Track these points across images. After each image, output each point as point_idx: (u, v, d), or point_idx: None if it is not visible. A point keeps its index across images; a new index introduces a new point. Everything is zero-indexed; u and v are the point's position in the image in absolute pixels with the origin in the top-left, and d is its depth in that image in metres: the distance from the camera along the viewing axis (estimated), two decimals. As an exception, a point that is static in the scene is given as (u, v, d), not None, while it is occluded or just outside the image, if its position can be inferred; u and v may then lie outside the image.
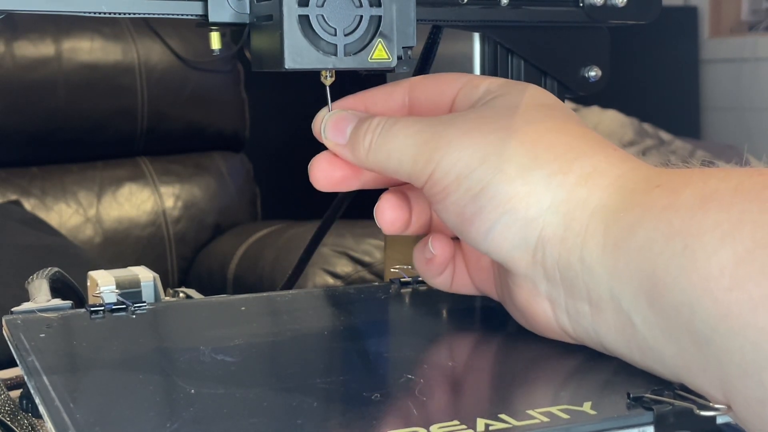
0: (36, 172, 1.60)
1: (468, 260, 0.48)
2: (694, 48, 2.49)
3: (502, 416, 0.34)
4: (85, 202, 1.60)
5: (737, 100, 2.39)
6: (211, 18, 0.44)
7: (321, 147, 0.47)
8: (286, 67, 0.42)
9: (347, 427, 0.34)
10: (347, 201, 0.60)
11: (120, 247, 1.60)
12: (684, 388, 0.37)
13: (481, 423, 0.34)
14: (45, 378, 0.38)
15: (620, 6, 0.55)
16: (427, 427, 0.33)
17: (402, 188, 0.48)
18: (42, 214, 1.54)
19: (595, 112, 2.12)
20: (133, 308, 0.48)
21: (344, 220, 0.95)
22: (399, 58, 0.44)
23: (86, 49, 1.58)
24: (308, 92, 0.68)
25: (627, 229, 0.38)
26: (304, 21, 0.42)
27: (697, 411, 0.35)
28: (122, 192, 1.63)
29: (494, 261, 0.44)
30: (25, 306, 0.48)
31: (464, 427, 0.33)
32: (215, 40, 0.47)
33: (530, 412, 0.35)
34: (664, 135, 2.16)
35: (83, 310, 0.47)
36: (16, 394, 0.47)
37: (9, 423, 0.45)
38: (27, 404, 0.46)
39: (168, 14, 0.44)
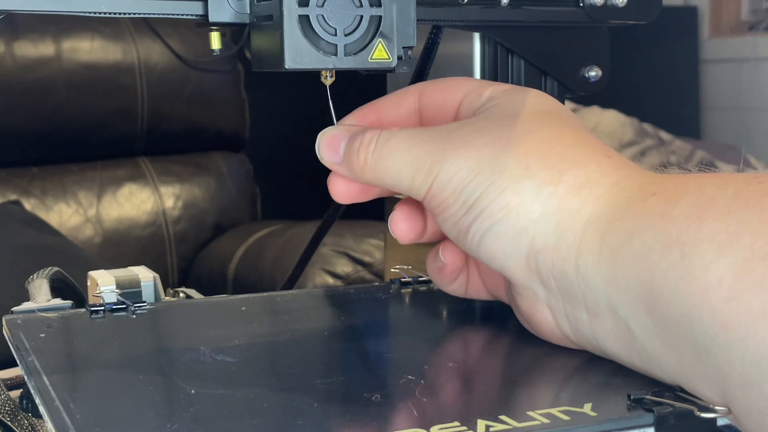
0: (36, 172, 1.59)
1: (480, 266, 0.48)
2: (694, 48, 2.49)
3: (503, 417, 0.34)
4: (85, 202, 1.60)
5: (737, 100, 2.39)
6: (211, 18, 0.44)
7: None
8: (286, 67, 0.42)
9: (347, 428, 0.34)
10: (347, 201, 0.59)
11: (120, 247, 1.60)
12: (684, 389, 0.37)
13: (481, 424, 0.34)
14: (45, 378, 0.38)
15: (620, 6, 0.55)
16: (427, 428, 0.33)
17: None
18: (42, 214, 1.54)
19: (595, 112, 2.11)
20: (133, 308, 0.48)
21: (344, 220, 0.95)
22: (399, 58, 0.44)
23: (86, 49, 1.58)
24: (308, 92, 0.68)
25: (623, 238, 0.38)
26: (304, 21, 0.42)
27: (698, 413, 0.35)
28: (122, 192, 1.63)
29: None
30: (25, 306, 0.48)
31: (464, 428, 0.33)
32: (215, 40, 0.47)
33: (531, 413, 0.35)
34: (664, 135, 2.16)
35: (83, 310, 0.47)
36: (16, 394, 0.47)
37: (9, 423, 0.45)
38: (27, 404, 0.46)
39: (168, 14, 0.44)
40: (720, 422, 0.35)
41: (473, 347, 0.46)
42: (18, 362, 0.41)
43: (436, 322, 0.50)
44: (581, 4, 0.54)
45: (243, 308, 0.50)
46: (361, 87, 0.50)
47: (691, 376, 0.36)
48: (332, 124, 0.47)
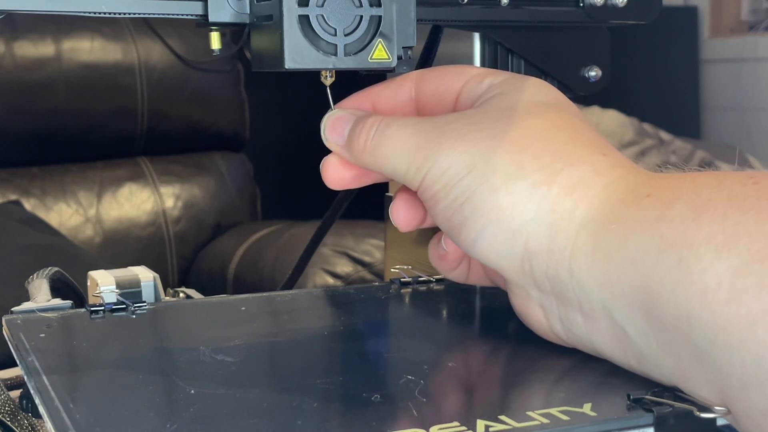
0: (36, 172, 1.60)
1: None
2: (694, 48, 2.49)
3: (502, 417, 0.34)
4: (85, 202, 1.60)
5: (737, 100, 2.39)
6: (211, 18, 0.44)
7: (322, 147, 0.47)
8: (286, 67, 0.42)
9: (347, 428, 0.34)
10: (347, 201, 0.60)
11: (120, 247, 1.60)
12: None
13: (481, 424, 0.34)
14: (45, 378, 0.38)
15: (620, 6, 0.55)
16: (426, 428, 0.33)
17: None
18: (42, 214, 1.54)
19: (595, 112, 2.12)
20: (133, 308, 0.48)
21: (344, 220, 0.95)
22: (399, 58, 0.44)
23: (86, 49, 1.58)
24: (308, 92, 0.68)
25: (618, 241, 0.38)
26: (304, 21, 0.42)
27: (698, 413, 0.35)
28: (122, 192, 1.63)
29: None
30: (25, 306, 0.48)
31: (464, 428, 0.33)
32: (215, 40, 0.47)
33: (530, 413, 0.35)
34: (664, 135, 2.16)
35: (83, 310, 0.47)
36: (16, 394, 0.47)
37: (9, 423, 0.45)
38: (27, 404, 0.46)
39: (168, 14, 0.44)
40: (719, 422, 0.35)
41: (473, 347, 0.46)
42: (18, 362, 0.41)
43: (435, 322, 0.50)
44: (581, 4, 0.54)
45: (243, 308, 0.50)
46: (361, 87, 0.50)
47: (689, 377, 0.36)
48: None
